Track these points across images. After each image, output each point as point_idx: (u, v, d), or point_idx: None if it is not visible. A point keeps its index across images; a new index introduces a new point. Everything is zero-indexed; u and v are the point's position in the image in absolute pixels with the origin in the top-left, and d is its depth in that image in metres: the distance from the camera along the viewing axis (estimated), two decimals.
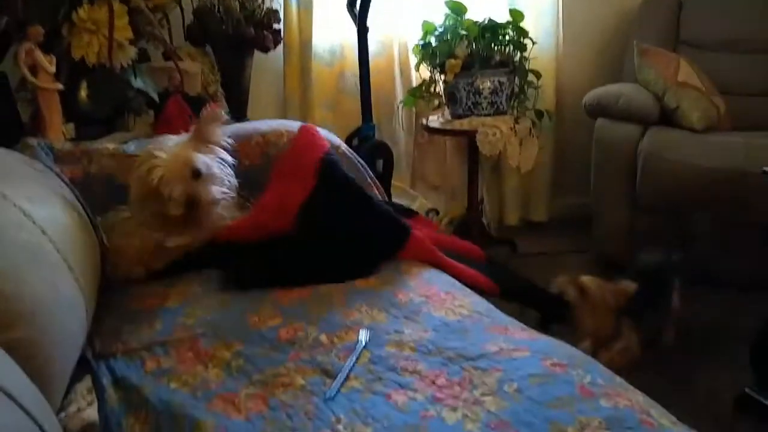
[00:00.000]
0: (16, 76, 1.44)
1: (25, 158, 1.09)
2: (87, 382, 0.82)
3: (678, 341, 1.65)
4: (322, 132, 1.41)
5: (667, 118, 2.21)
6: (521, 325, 0.93)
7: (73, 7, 1.47)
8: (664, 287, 1.64)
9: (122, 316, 0.97)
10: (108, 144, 1.28)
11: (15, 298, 0.70)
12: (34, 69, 1.38)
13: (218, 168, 1.17)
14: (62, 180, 1.11)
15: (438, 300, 0.99)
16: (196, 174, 1.11)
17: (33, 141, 1.22)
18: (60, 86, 1.42)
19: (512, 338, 0.86)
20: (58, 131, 1.42)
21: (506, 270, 1.50)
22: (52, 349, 0.73)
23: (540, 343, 0.85)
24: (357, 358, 0.82)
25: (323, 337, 0.88)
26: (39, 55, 1.37)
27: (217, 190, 1.15)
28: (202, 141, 1.18)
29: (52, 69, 1.40)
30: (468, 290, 1.06)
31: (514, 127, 2.13)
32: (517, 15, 2.19)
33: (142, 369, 0.84)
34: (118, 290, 1.06)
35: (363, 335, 0.87)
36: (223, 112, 1.26)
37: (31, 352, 0.68)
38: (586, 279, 1.48)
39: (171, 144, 1.16)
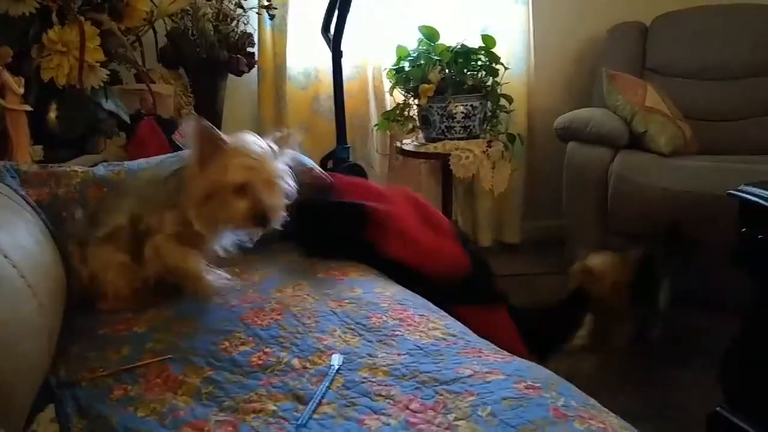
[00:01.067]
0: None
1: None
2: (50, 411, 0.79)
3: (662, 340, 1.68)
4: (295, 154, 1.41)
5: (636, 141, 2.26)
6: (495, 347, 0.93)
7: (43, 28, 1.46)
8: (653, 282, 1.68)
9: (89, 342, 0.94)
10: (76, 167, 1.25)
11: None
12: (2, 90, 1.36)
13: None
14: (28, 203, 1.08)
15: (412, 323, 0.98)
16: (286, 195, 1.04)
17: None
18: (28, 108, 1.40)
19: (486, 361, 0.86)
20: (26, 153, 1.40)
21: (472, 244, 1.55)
22: (12, 376, 0.71)
23: (514, 366, 0.85)
24: (330, 383, 0.81)
25: (295, 362, 0.87)
26: (7, 76, 1.35)
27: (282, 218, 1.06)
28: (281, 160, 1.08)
29: (21, 90, 1.38)
30: (442, 312, 1.06)
31: (487, 150, 2.16)
32: (489, 41, 2.24)
33: (108, 397, 0.81)
34: (85, 314, 1.03)
35: (336, 360, 0.86)
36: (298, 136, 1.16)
37: None
38: (596, 262, 1.53)
39: (259, 149, 1.03)
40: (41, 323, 0.83)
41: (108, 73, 1.57)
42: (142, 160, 1.30)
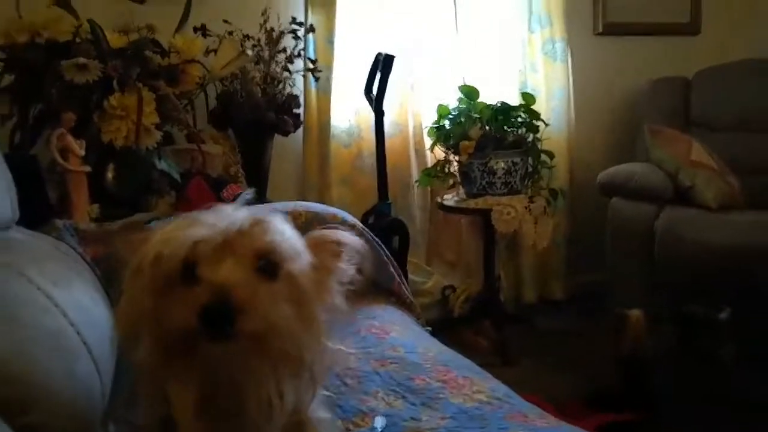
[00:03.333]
0: (45, 159, 1.50)
1: (51, 240, 1.12)
2: None
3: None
4: (337, 211, 1.44)
5: (682, 196, 2.22)
6: (540, 411, 0.91)
7: (104, 95, 1.55)
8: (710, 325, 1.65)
9: (137, 399, 0.96)
10: None
11: (31, 383, 0.70)
12: (64, 152, 1.44)
13: None
14: (85, 260, 1.13)
15: (456, 385, 0.97)
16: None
17: (59, 222, 1.25)
18: (88, 169, 1.48)
19: (532, 426, 0.84)
20: (84, 212, 1.47)
21: None
22: None
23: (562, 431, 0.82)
24: None
25: (338, 424, 0.87)
26: (70, 139, 1.43)
27: None
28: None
29: (82, 152, 1.47)
30: (487, 374, 1.04)
31: (529, 206, 2.15)
32: (528, 98, 2.26)
33: None
34: (131, 372, 1.05)
35: (379, 422, 0.86)
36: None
37: None
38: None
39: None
40: (96, 379, 0.85)
41: (162, 134, 1.65)
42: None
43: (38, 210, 1.41)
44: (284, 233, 0.60)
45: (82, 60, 1.53)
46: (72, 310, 0.87)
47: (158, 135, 1.63)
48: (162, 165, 1.67)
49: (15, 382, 0.70)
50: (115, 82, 1.57)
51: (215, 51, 1.94)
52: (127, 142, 1.57)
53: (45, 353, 0.76)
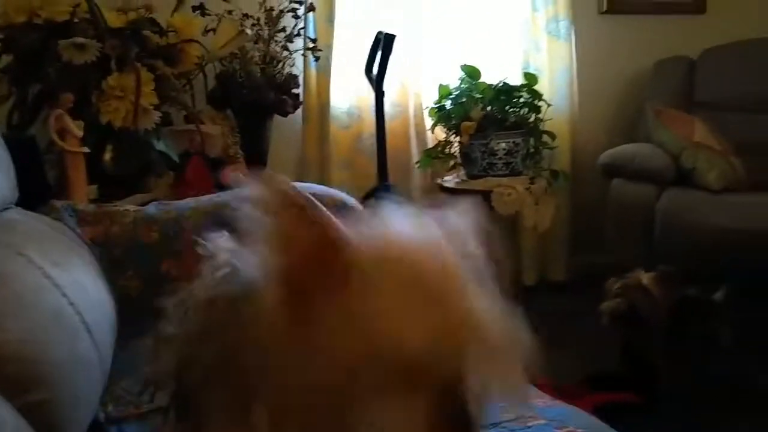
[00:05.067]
0: (43, 140, 1.50)
1: (50, 221, 1.12)
2: None
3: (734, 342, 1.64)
4: (337, 193, 1.43)
5: (684, 178, 2.21)
6: (537, 390, 0.91)
7: (102, 75, 1.54)
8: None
9: (137, 378, 0.97)
10: (128, 206, 1.30)
11: (35, 361, 0.71)
12: (62, 133, 1.44)
13: None
14: (83, 241, 1.13)
15: None
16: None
17: (58, 203, 1.25)
18: (86, 150, 1.47)
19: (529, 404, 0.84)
20: (83, 193, 1.46)
21: None
22: (68, 411, 0.73)
23: None
24: None
25: None
26: (68, 120, 1.43)
27: None
28: None
29: (80, 133, 1.46)
30: None
31: (530, 187, 2.14)
32: (531, 78, 2.25)
33: None
34: (129, 352, 1.06)
35: None
36: None
37: (47, 415, 0.68)
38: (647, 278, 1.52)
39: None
40: (95, 359, 0.86)
41: (160, 115, 1.64)
42: (190, 199, 1.34)
43: (37, 190, 1.41)
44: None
45: (79, 40, 1.52)
46: (71, 290, 0.87)
47: (156, 115, 1.62)
48: (160, 146, 1.66)
49: (17, 360, 0.70)
50: (113, 62, 1.55)
51: (214, 30, 1.93)
52: (125, 123, 1.56)
53: (46, 332, 0.76)
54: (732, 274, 1.90)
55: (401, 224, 0.45)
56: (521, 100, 2.22)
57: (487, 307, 0.42)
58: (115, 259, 1.18)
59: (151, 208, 1.30)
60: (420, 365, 0.37)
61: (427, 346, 0.38)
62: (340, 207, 1.37)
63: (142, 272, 1.20)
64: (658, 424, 1.53)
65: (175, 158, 1.70)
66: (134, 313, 1.18)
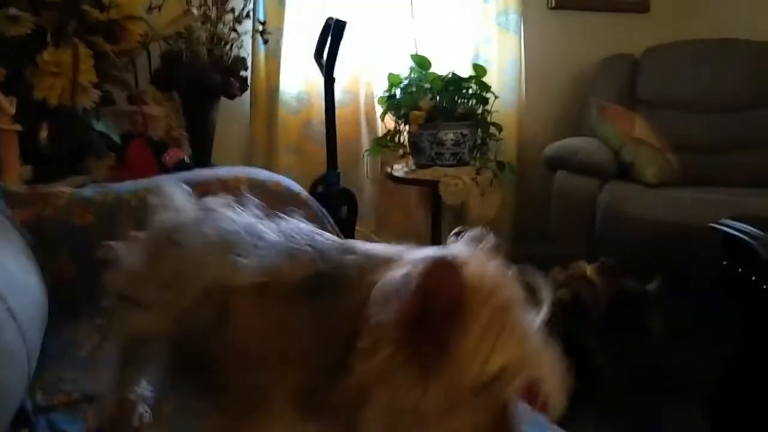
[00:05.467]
0: None
1: None
2: None
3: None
4: (282, 179, 1.42)
5: (624, 172, 2.28)
6: None
7: (37, 50, 1.47)
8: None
9: (66, 365, 0.94)
10: (63, 188, 1.26)
11: None
12: None
13: None
14: (12, 223, 1.08)
15: None
16: None
17: None
18: (19, 127, 1.41)
19: None
20: (15, 173, 1.40)
21: None
22: None
23: None
24: None
25: None
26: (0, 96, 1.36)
27: None
28: None
29: (13, 110, 1.39)
30: None
31: (476, 177, 2.17)
32: (479, 70, 2.27)
33: (83, 422, 0.81)
34: (65, 337, 1.02)
35: None
36: None
37: None
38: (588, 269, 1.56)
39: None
40: (20, 347, 0.83)
41: (100, 94, 1.58)
42: (129, 182, 1.30)
43: None
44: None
45: (13, 11, 1.44)
46: None
47: (96, 94, 1.56)
48: (100, 126, 1.60)
49: None
50: (48, 36, 1.48)
51: (159, 8, 1.86)
52: (62, 101, 1.50)
53: None
54: (666, 265, 1.98)
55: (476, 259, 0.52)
56: (470, 91, 2.25)
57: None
58: (49, 243, 1.14)
59: (88, 191, 1.26)
60: (505, 384, 0.47)
61: (518, 366, 0.47)
62: (284, 193, 1.36)
63: (76, 255, 1.17)
64: (593, 413, 1.58)
65: (117, 139, 1.64)
66: (68, 296, 1.15)
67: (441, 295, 0.47)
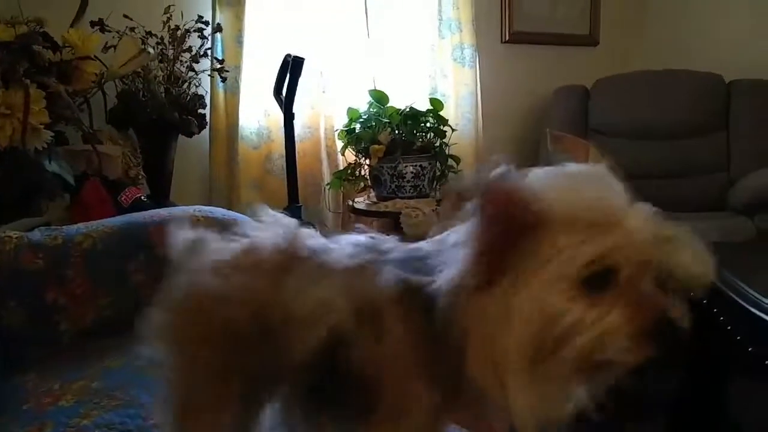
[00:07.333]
0: None
1: None
2: None
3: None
4: (239, 216, 1.41)
5: None
6: None
7: None
8: None
9: (12, 418, 0.91)
10: (11, 232, 1.23)
11: None
12: None
13: None
14: None
15: None
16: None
17: None
18: None
19: None
20: None
21: None
22: None
23: None
24: None
25: None
26: None
27: None
28: None
29: None
30: None
31: (437, 209, 2.20)
32: (436, 104, 2.31)
33: None
34: (11, 387, 0.99)
35: None
36: None
37: None
38: None
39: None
40: None
41: (52, 135, 1.56)
42: (81, 224, 1.28)
43: None
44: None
45: None
46: None
47: (48, 135, 1.54)
48: (53, 167, 1.58)
49: None
50: None
51: (114, 48, 1.86)
52: (12, 142, 1.48)
53: None
54: None
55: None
56: (428, 125, 2.29)
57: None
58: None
59: (36, 234, 1.24)
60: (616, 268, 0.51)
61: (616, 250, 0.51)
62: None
63: (25, 302, 1.14)
64: None
65: (71, 180, 1.62)
66: (18, 346, 1.12)
67: (508, 213, 0.51)
